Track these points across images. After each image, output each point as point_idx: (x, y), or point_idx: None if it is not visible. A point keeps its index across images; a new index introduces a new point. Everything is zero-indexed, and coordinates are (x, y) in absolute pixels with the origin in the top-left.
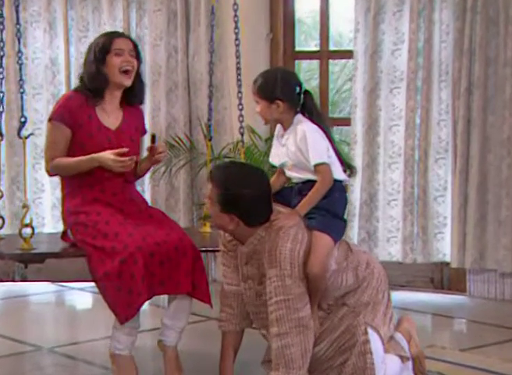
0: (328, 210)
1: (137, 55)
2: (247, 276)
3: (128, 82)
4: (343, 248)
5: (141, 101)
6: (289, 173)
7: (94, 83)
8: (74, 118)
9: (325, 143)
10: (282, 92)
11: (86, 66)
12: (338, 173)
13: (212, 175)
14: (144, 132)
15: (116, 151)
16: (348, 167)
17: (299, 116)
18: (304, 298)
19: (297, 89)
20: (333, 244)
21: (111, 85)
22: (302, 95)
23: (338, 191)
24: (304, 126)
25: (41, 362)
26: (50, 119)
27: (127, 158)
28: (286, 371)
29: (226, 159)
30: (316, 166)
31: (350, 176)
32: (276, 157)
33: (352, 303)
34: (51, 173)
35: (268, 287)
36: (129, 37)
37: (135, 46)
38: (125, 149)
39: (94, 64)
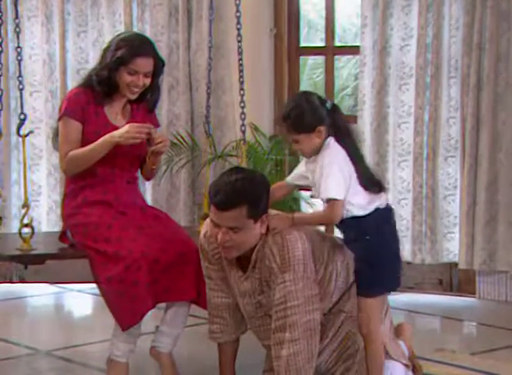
0: (366, 261)
1: (156, 71)
2: (244, 293)
3: (133, 97)
4: (328, 250)
5: (151, 109)
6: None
7: (103, 87)
8: (83, 113)
9: (343, 176)
10: (317, 117)
11: (100, 65)
12: (360, 207)
13: (226, 201)
14: (156, 126)
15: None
16: (375, 185)
17: (327, 142)
18: (315, 300)
19: (327, 106)
20: (379, 302)
21: (119, 90)
22: (330, 110)
23: (369, 232)
24: (329, 155)
25: (39, 365)
26: (61, 117)
27: (143, 125)
28: None
29: (228, 157)
30: (326, 200)
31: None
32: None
33: (349, 308)
34: (67, 171)
35: (281, 291)
36: (153, 55)
37: (156, 63)
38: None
39: (107, 71)
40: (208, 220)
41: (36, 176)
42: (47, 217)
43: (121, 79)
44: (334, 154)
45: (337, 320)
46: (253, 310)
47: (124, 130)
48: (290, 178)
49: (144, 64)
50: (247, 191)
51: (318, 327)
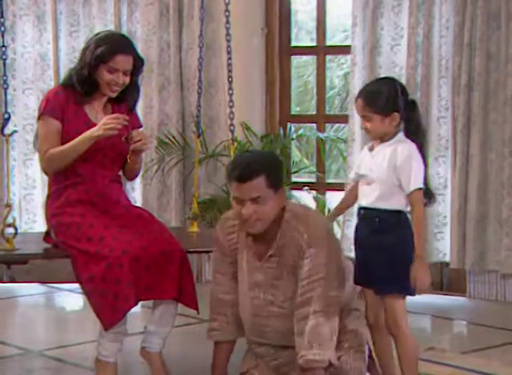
0: (400, 253)
1: (135, 70)
2: (254, 285)
3: (113, 95)
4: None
5: (131, 108)
6: (361, 189)
7: (83, 86)
8: (63, 112)
9: (422, 169)
10: (397, 103)
11: (80, 64)
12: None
13: (246, 172)
14: (138, 126)
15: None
16: (428, 194)
17: (401, 135)
18: (339, 276)
19: (409, 99)
20: (405, 302)
21: (99, 89)
22: (410, 104)
23: (405, 227)
24: (409, 148)
25: (30, 365)
26: (40, 116)
27: (117, 115)
28: (320, 349)
29: (220, 157)
30: (413, 191)
31: (426, 205)
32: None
33: (356, 306)
34: (47, 169)
35: (308, 265)
36: (132, 54)
37: (136, 62)
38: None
39: (87, 69)
40: (226, 214)
41: (30, 170)
42: (42, 210)
43: (101, 77)
44: (413, 149)
45: (348, 318)
46: (261, 306)
47: (101, 123)
48: (356, 176)
49: (124, 62)
50: (263, 162)
51: (338, 307)
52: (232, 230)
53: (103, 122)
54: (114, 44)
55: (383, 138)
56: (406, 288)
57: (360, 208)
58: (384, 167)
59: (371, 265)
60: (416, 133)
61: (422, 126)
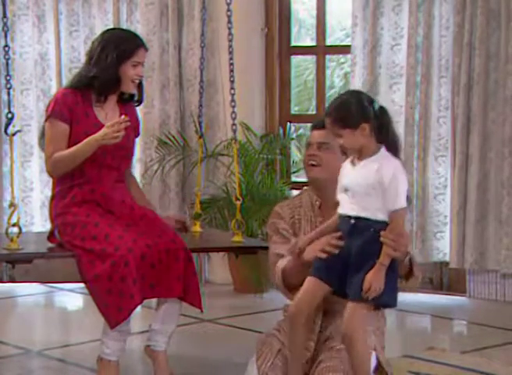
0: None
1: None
2: None
3: (134, 91)
4: None
5: (140, 102)
6: (344, 200)
7: (106, 87)
8: (71, 114)
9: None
10: (364, 113)
11: (99, 66)
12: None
13: (322, 123)
14: (138, 134)
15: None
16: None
17: (383, 150)
18: None
19: (375, 106)
20: (369, 314)
21: (116, 88)
22: (378, 112)
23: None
24: (394, 165)
25: (30, 365)
26: (48, 118)
27: (116, 121)
28: None
29: (219, 156)
30: (397, 210)
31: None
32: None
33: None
34: (53, 173)
35: None
36: (146, 47)
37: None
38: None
39: (113, 68)
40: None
41: (27, 172)
42: (40, 211)
43: (126, 73)
44: (398, 166)
45: None
46: None
47: (103, 133)
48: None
49: (143, 54)
50: None
51: None
52: (290, 208)
53: (104, 132)
54: (134, 39)
55: (362, 152)
56: (384, 300)
57: (348, 218)
58: (369, 183)
59: (357, 274)
60: (387, 138)
61: (393, 131)
